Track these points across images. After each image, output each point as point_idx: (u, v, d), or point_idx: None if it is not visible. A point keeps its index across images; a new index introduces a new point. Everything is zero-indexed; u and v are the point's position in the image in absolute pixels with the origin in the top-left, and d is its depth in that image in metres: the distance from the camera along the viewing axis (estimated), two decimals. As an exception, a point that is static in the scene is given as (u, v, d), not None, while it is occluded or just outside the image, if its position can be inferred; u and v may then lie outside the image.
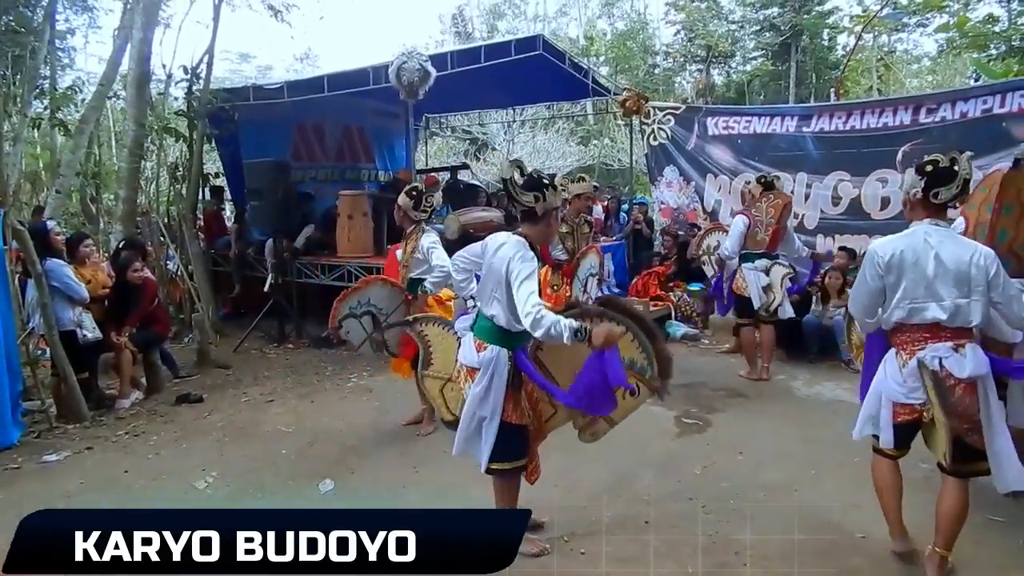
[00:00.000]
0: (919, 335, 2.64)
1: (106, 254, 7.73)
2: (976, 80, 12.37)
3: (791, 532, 3.14)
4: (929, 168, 2.62)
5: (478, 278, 3.20)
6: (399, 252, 4.53)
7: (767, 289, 5.51)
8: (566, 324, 2.49)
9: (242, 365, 6.57)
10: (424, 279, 4.29)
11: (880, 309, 2.75)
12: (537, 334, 2.56)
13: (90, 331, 5.21)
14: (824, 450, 4.00)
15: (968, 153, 2.70)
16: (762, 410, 4.91)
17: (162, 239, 7.63)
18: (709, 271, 6.43)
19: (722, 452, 4.14)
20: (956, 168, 2.60)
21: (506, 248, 2.74)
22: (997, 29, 17.42)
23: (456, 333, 3.12)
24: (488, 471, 2.88)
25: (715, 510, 3.33)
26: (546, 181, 2.80)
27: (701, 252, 6.47)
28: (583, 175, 5.98)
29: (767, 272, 5.52)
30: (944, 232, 2.62)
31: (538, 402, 2.98)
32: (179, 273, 7.75)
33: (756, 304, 5.50)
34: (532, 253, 2.72)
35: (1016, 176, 3.06)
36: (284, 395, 5.59)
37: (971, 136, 6.08)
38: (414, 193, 4.37)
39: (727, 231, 5.87)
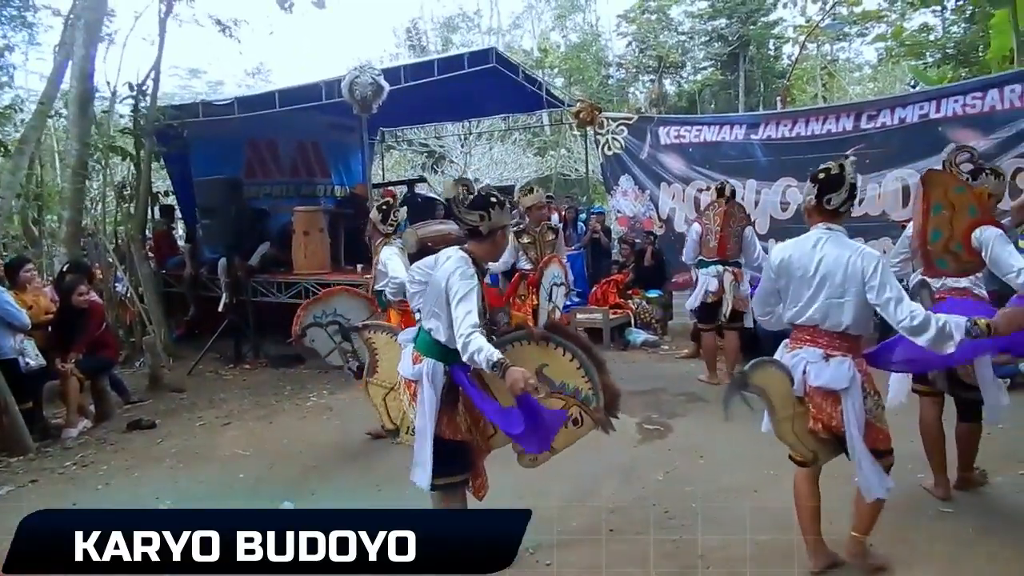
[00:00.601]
0: (802, 336, 2.73)
1: (50, 278, 7.46)
2: (914, 87, 12.88)
3: (754, 534, 3.19)
4: (821, 176, 2.67)
5: None
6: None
7: (714, 294, 5.62)
8: (486, 356, 2.46)
9: (197, 388, 6.40)
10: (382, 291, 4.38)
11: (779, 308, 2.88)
12: (463, 357, 2.56)
13: (33, 359, 5.01)
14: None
15: (852, 159, 2.87)
16: (721, 414, 4.95)
17: (110, 260, 7.40)
18: None
19: (683, 457, 4.18)
20: (844, 174, 2.65)
21: (449, 264, 2.72)
22: (932, 38, 18.21)
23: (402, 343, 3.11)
24: (433, 487, 2.81)
25: (678, 515, 3.36)
26: (494, 199, 2.78)
27: None
28: (532, 186, 6.09)
29: (719, 278, 5.60)
30: (833, 235, 2.65)
31: (480, 419, 2.93)
32: (128, 295, 7.53)
33: (689, 305, 5.92)
34: (474, 270, 2.70)
35: (939, 175, 3.09)
36: (241, 417, 5.46)
37: (910, 141, 6.33)
38: (383, 207, 4.59)
39: None
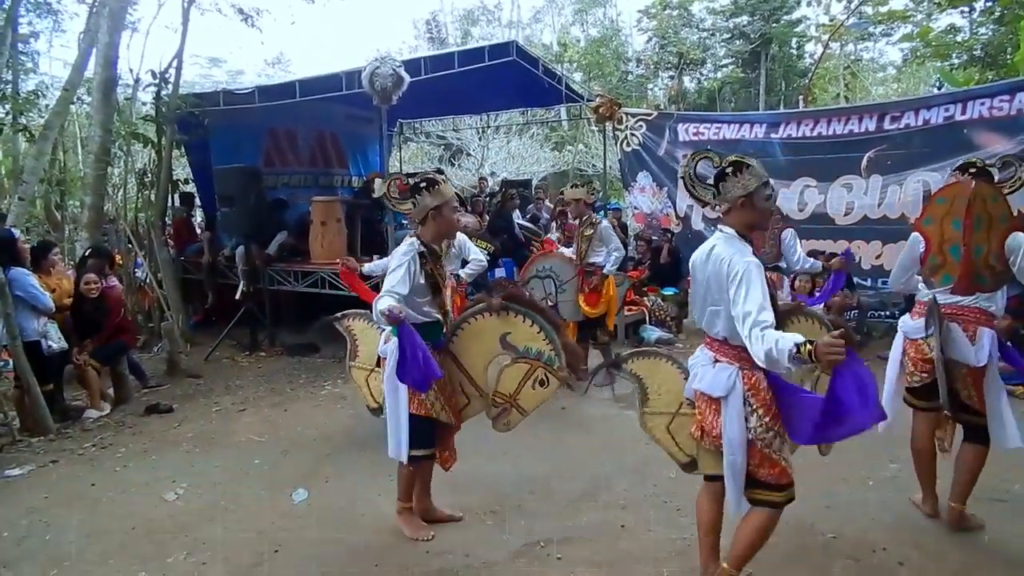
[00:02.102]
0: (705, 339, 2.58)
1: (72, 262, 7.57)
2: (939, 88, 12.68)
3: (764, 534, 3.18)
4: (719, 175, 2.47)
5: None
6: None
7: None
8: (377, 309, 2.76)
9: (213, 374, 6.47)
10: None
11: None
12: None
13: (55, 342, 5.09)
14: (797, 452, 4.05)
15: (725, 156, 2.53)
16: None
17: (130, 246, 7.48)
18: None
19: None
20: (726, 171, 2.40)
21: (398, 247, 3.16)
22: (959, 39, 17.93)
23: (379, 327, 3.29)
24: (410, 459, 3.09)
25: (690, 513, 3.33)
26: (422, 185, 3.11)
27: None
28: (577, 182, 6.21)
29: None
30: (723, 237, 2.43)
31: (452, 394, 3.21)
32: (148, 281, 7.61)
33: None
34: (412, 251, 3.05)
35: (982, 187, 2.94)
36: (256, 404, 5.52)
37: (933, 143, 6.25)
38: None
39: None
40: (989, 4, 14.50)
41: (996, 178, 3.21)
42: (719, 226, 2.48)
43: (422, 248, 3.11)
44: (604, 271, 5.52)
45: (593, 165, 21.56)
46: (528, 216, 10.31)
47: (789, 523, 3.26)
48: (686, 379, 2.63)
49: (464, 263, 4.26)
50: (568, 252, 5.94)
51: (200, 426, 5.02)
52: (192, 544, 3.25)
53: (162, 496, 3.79)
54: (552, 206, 11.18)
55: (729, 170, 2.40)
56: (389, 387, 3.06)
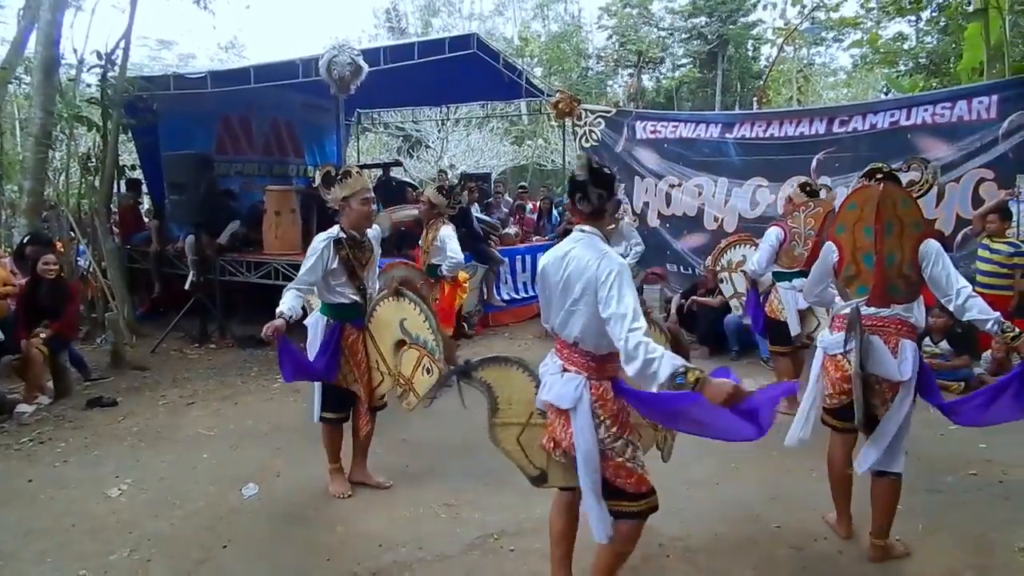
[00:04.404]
0: (556, 346, 2.45)
1: (8, 249, 7.25)
2: (887, 94, 13.14)
3: (714, 524, 3.26)
4: (572, 176, 2.41)
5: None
6: (420, 241, 5.44)
7: (806, 313, 4.68)
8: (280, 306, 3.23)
9: (160, 367, 6.28)
10: (440, 265, 5.12)
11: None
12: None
13: (-11, 332, 4.87)
14: (744, 445, 4.13)
15: (583, 156, 2.56)
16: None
17: (72, 234, 7.20)
18: (728, 290, 5.70)
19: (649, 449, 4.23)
20: (590, 173, 2.33)
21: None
22: (906, 47, 18.58)
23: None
24: (321, 419, 3.61)
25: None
26: (335, 175, 3.42)
27: (719, 267, 5.72)
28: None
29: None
30: (585, 238, 2.32)
31: (367, 370, 3.54)
32: (91, 270, 7.34)
33: (794, 331, 4.67)
34: (329, 238, 3.41)
35: (890, 190, 2.77)
36: (206, 397, 5.38)
37: (879, 146, 6.45)
38: (445, 191, 5.38)
39: (755, 244, 5.15)
40: (934, 14, 15.07)
41: (904, 182, 2.95)
42: (580, 227, 2.36)
43: (341, 235, 3.44)
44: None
45: (552, 160, 21.66)
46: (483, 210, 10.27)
47: (737, 514, 3.37)
48: (537, 388, 2.47)
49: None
50: None
51: (146, 420, 4.87)
52: (136, 541, 3.15)
53: (104, 492, 3.67)
54: (511, 200, 11.22)
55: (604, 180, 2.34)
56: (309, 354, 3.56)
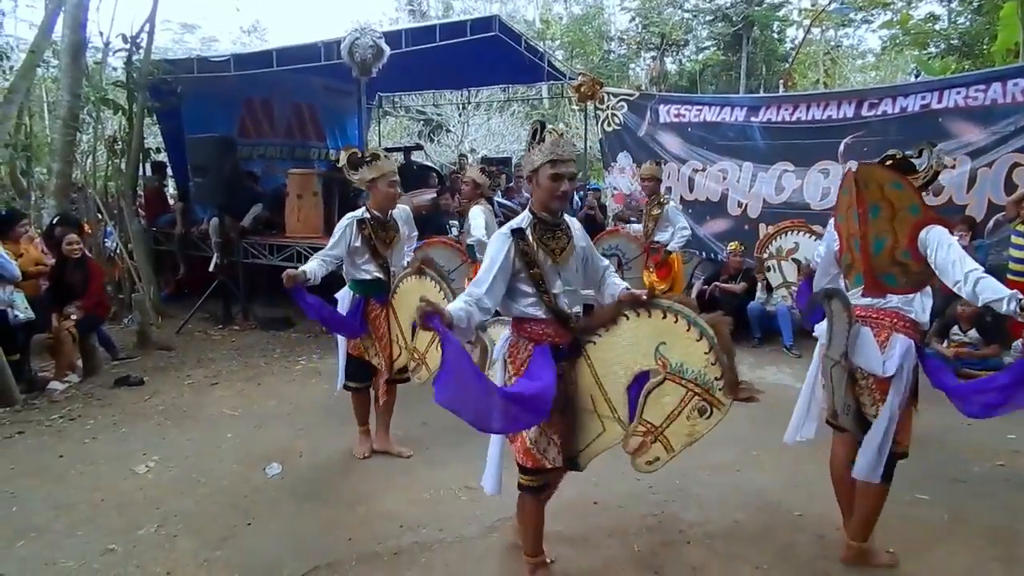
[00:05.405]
0: None
1: (38, 230, 7.38)
2: (917, 77, 12.82)
3: (733, 511, 3.25)
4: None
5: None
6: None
7: None
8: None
9: (185, 347, 6.39)
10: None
11: None
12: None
13: (21, 311, 4.98)
14: (766, 432, 4.11)
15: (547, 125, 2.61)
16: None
17: (99, 215, 7.31)
18: (776, 279, 5.50)
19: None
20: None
21: None
22: (938, 28, 18.08)
23: None
24: (345, 387, 3.87)
25: (661, 491, 3.41)
26: (365, 158, 3.55)
27: (767, 255, 5.51)
28: (654, 160, 6.43)
29: None
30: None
31: (388, 344, 3.71)
32: (118, 251, 7.46)
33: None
34: (353, 218, 3.58)
35: (871, 169, 2.59)
36: (229, 378, 5.46)
37: (909, 130, 6.30)
38: (490, 174, 5.61)
39: (812, 231, 4.96)
40: (968, -7, 14.63)
41: (920, 169, 2.71)
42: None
43: (366, 215, 3.61)
44: (667, 248, 5.78)
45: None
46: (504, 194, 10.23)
47: (757, 501, 3.35)
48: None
49: None
50: (633, 231, 6.18)
51: (171, 399, 4.96)
52: (163, 516, 3.22)
53: (132, 469, 3.75)
54: None
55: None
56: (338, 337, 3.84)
